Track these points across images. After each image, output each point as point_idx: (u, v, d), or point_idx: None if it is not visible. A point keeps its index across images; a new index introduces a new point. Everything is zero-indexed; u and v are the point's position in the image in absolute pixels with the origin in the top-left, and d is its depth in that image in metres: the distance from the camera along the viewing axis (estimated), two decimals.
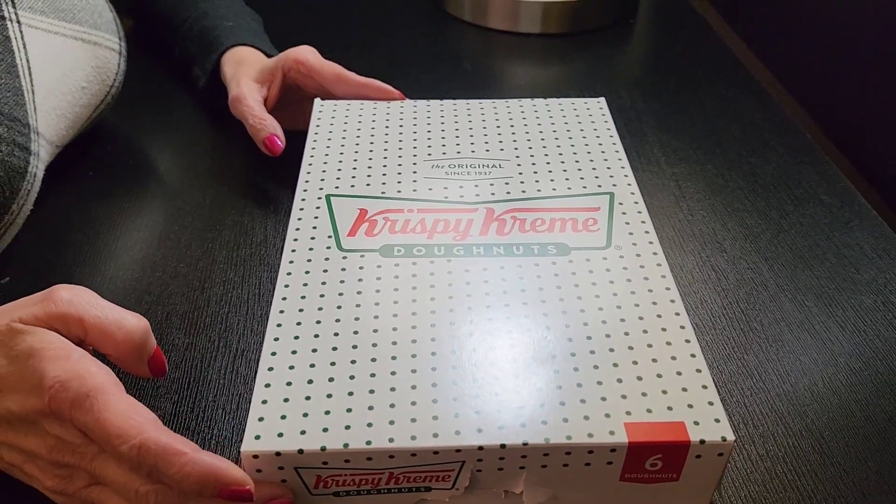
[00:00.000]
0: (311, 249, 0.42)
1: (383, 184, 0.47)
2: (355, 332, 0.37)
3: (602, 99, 0.55)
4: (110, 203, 0.56)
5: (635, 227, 0.44)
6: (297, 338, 0.37)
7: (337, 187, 0.47)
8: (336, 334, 0.37)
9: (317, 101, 0.55)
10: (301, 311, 0.38)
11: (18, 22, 0.50)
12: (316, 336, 0.37)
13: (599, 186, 0.47)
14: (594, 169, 0.48)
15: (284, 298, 0.39)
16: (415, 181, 0.47)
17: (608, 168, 0.48)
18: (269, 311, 0.38)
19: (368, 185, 0.47)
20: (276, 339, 0.37)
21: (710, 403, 0.34)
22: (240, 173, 0.60)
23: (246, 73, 0.59)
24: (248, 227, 0.54)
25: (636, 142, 0.64)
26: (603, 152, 0.50)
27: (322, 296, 0.39)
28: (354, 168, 0.48)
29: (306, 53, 0.57)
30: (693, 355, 0.36)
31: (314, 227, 0.43)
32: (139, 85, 0.68)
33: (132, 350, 0.35)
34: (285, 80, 0.58)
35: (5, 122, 0.46)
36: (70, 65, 0.53)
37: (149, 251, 0.52)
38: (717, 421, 0.33)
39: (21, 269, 0.50)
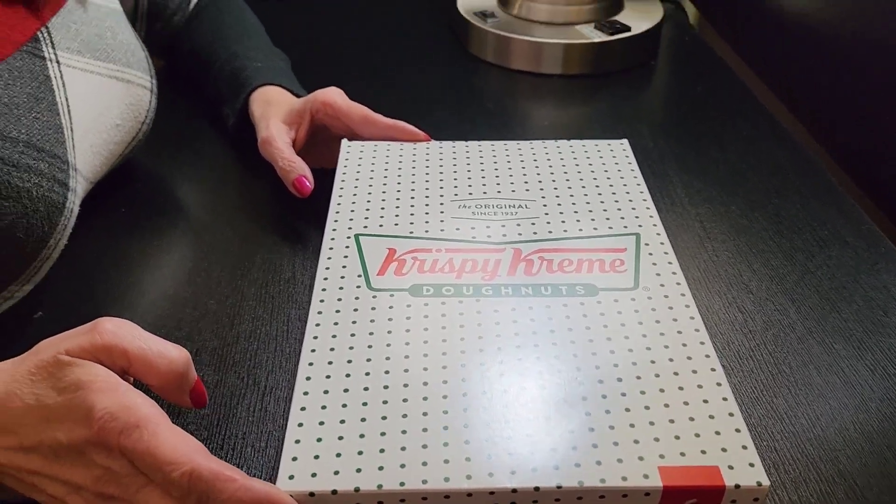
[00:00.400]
0: (341, 289, 0.42)
1: (411, 223, 0.47)
2: (386, 372, 0.37)
3: (625, 140, 0.56)
4: (141, 239, 0.57)
5: (662, 268, 0.44)
6: (328, 377, 0.37)
7: (365, 227, 0.47)
8: (367, 374, 0.37)
9: (344, 141, 0.56)
10: (332, 350, 0.38)
11: (58, 62, 0.51)
12: (347, 376, 0.37)
13: (625, 227, 0.47)
14: (619, 210, 0.49)
15: (315, 338, 0.39)
16: (442, 221, 0.48)
17: (633, 209, 0.49)
18: (299, 348, 0.39)
19: (396, 224, 0.47)
20: (308, 379, 0.37)
21: (744, 447, 0.34)
22: (268, 210, 0.61)
23: (275, 113, 0.60)
24: (277, 265, 0.55)
25: (660, 182, 0.64)
26: (628, 193, 0.50)
27: (353, 335, 0.39)
28: (382, 208, 0.49)
29: (334, 95, 0.58)
30: (725, 398, 0.36)
31: (343, 266, 0.44)
32: (169, 122, 0.70)
33: (174, 380, 0.36)
34: (313, 121, 0.59)
35: (47, 159, 0.47)
36: (106, 103, 0.55)
37: (179, 287, 0.52)
38: (752, 465, 0.33)
39: (53, 303, 0.51)
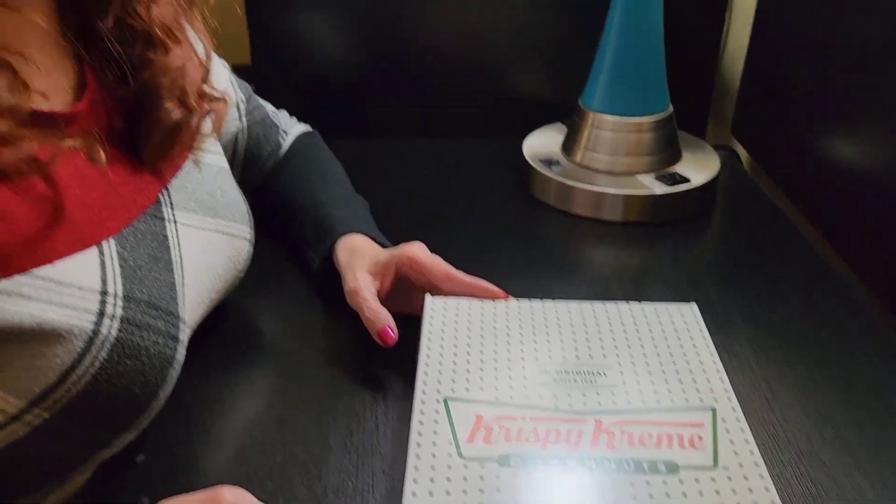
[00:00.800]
0: (433, 455, 0.45)
1: (496, 388, 0.50)
2: None
3: (693, 304, 0.59)
4: (233, 382, 0.61)
5: (740, 446, 0.46)
6: None
7: (453, 390, 0.50)
8: None
9: (428, 297, 0.59)
10: None
11: (175, 221, 0.56)
12: None
13: (701, 400, 0.49)
14: (695, 381, 0.51)
15: None
16: (525, 387, 0.50)
17: (708, 381, 0.51)
18: None
19: (482, 388, 0.50)
20: None
21: None
22: (351, 355, 0.64)
23: (360, 264, 0.64)
24: (360, 413, 0.57)
25: (725, 339, 0.66)
26: (701, 363, 0.53)
27: None
28: (468, 370, 0.52)
29: (418, 251, 0.63)
30: None
31: (435, 433, 0.47)
32: (255, 261, 0.75)
33: None
34: (397, 273, 0.63)
35: (163, 317, 0.51)
36: (212, 256, 0.59)
37: (268, 433, 0.55)
38: None
39: (154, 446, 0.54)
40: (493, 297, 0.60)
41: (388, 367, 0.62)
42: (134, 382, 0.47)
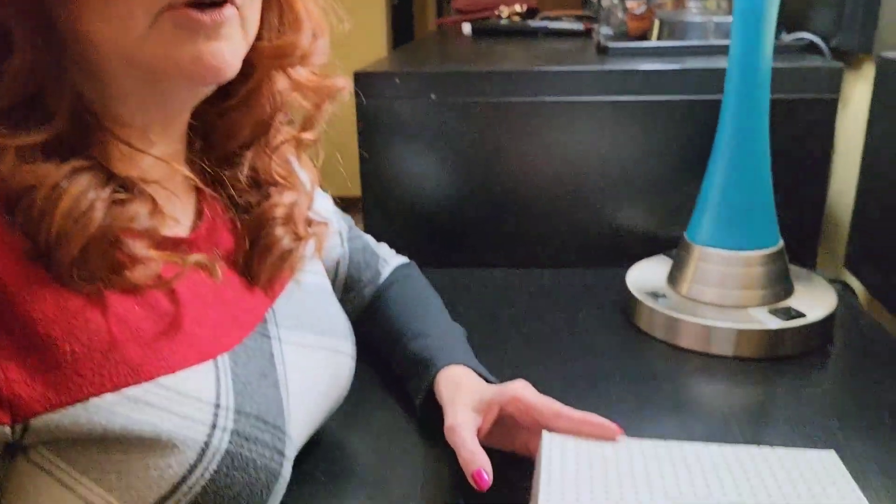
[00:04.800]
0: None
1: None
2: None
3: (832, 452, 0.54)
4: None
5: None
6: None
7: None
8: None
9: (545, 434, 0.57)
10: None
11: (280, 339, 0.58)
12: None
13: None
14: None
15: None
16: None
17: None
18: None
19: None
20: None
21: None
22: (448, 491, 0.62)
23: (463, 400, 0.63)
24: None
25: (863, 488, 0.61)
26: None
27: None
28: None
29: (523, 390, 0.61)
30: None
31: None
32: (356, 389, 0.75)
33: None
34: (501, 412, 0.62)
35: (270, 431, 0.51)
36: (315, 372, 0.60)
37: None
38: None
39: None
40: (607, 433, 0.58)
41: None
42: (241, 495, 0.48)
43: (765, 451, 0.55)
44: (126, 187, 0.46)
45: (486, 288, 1.03)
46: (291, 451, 0.55)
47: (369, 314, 0.81)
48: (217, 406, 0.48)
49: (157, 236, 0.48)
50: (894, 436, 0.68)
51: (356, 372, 0.72)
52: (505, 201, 1.10)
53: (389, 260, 0.87)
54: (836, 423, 0.70)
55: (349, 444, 0.69)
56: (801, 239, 1.06)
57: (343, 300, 0.81)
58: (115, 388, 0.43)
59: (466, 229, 1.12)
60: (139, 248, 0.46)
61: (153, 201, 0.47)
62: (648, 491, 0.51)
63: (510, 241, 1.12)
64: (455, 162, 1.09)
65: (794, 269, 0.92)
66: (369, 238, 0.86)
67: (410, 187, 1.10)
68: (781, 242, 0.87)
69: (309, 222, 0.63)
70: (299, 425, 0.57)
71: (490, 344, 0.84)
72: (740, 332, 0.81)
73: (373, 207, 1.11)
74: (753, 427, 0.70)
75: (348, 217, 0.84)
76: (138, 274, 0.46)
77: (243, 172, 0.57)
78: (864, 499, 0.49)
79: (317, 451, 0.66)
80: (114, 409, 0.43)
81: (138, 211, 0.46)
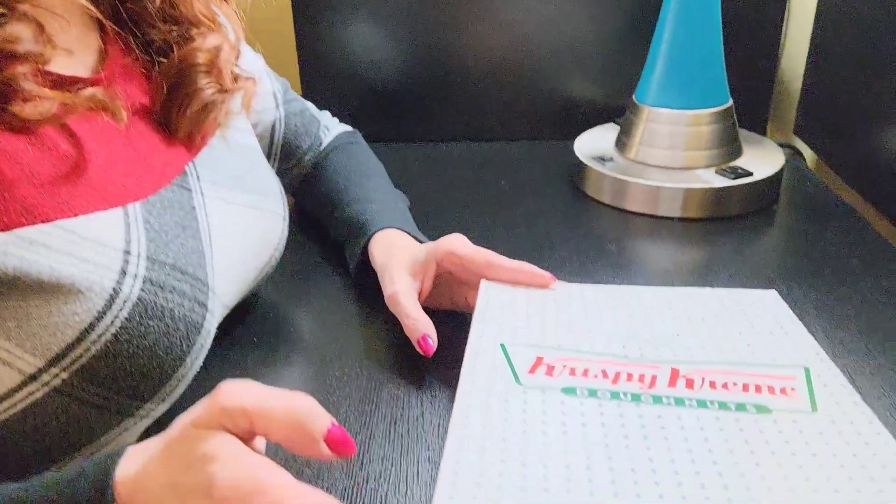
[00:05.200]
0: (488, 387, 0.40)
1: (558, 340, 0.46)
2: (545, 478, 0.34)
3: (774, 292, 0.54)
4: (269, 371, 0.58)
5: (841, 396, 0.40)
6: (478, 485, 0.34)
7: (511, 338, 0.46)
8: (525, 477, 0.34)
9: (483, 282, 0.56)
10: (482, 447, 0.36)
11: (202, 193, 0.55)
12: (500, 475, 0.34)
13: (792, 360, 0.44)
14: (782, 346, 0.46)
15: (463, 436, 0.37)
16: (591, 343, 0.46)
17: (795, 348, 0.46)
18: (430, 492, 0.37)
19: (543, 338, 0.46)
20: (455, 476, 0.34)
21: None
22: (395, 349, 0.61)
23: (398, 265, 0.60)
24: (405, 401, 0.54)
25: None
26: (786, 334, 0.48)
27: (504, 436, 0.37)
28: (528, 327, 0.48)
29: (457, 243, 0.58)
30: None
31: (490, 370, 0.42)
32: (296, 259, 0.73)
33: (297, 429, 0.35)
34: (438, 269, 0.60)
35: (189, 281, 0.49)
36: (242, 230, 0.58)
37: None
38: None
39: None
40: (541, 282, 0.56)
41: (434, 360, 0.59)
42: (157, 344, 0.45)
43: (706, 291, 0.54)
44: (6, 5, 0.41)
45: (434, 161, 1.01)
46: (216, 306, 0.53)
47: (310, 181, 0.78)
48: (127, 253, 0.45)
49: (52, 74, 0.45)
50: (831, 282, 0.68)
51: (298, 242, 0.70)
52: (453, 74, 1.06)
53: (332, 127, 0.83)
54: (778, 274, 0.70)
55: (285, 311, 0.67)
56: (752, 107, 1.04)
57: (284, 170, 0.78)
58: (6, 227, 0.40)
59: (414, 103, 1.08)
60: (28, 83, 0.42)
61: (38, 24, 0.43)
62: (587, 329, 0.50)
63: (459, 115, 1.08)
64: (397, 36, 1.04)
65: (744, 134, 0.90)
66: (309, 104, 0.81)
67: (354, 58, 1.05)
68: (730, 101, 0.85)
69: (235, 77, 0.59)
70: (225, 280, 0.55)
71: (435, 212, 0.81)
72: (687, 191, 0.80)
73: (312, 78, 1.06)
74: (697, 283, 0.70)
75: (284, 80, 0.79)
76: (29, 110, 0.42)
77: (154, 3, 0.52)
78: (806, 331, 0.49)
79: (250, 318, 0.64)
80: (6, 249, 0.40)
81: (19, 32, 0.41)
